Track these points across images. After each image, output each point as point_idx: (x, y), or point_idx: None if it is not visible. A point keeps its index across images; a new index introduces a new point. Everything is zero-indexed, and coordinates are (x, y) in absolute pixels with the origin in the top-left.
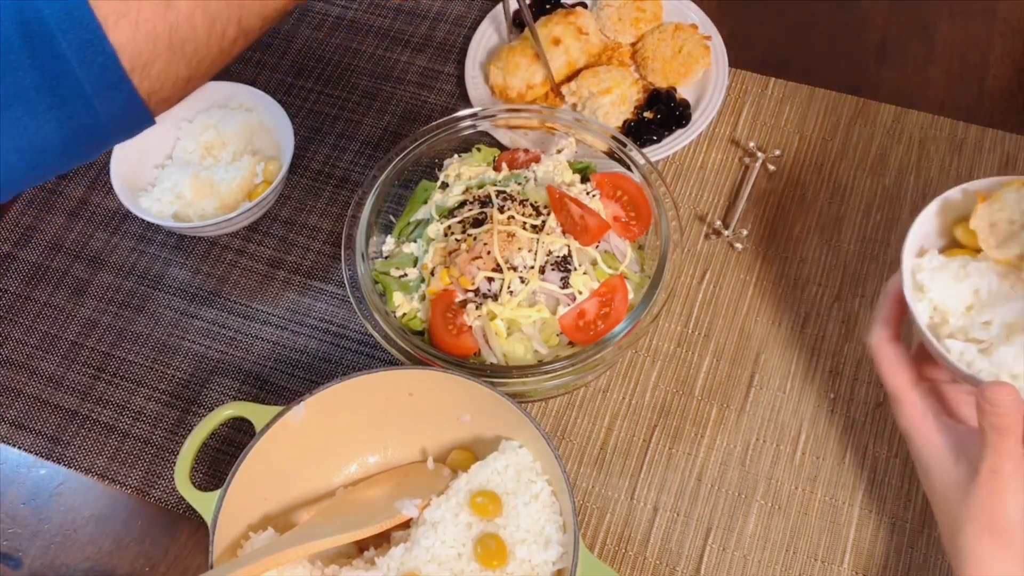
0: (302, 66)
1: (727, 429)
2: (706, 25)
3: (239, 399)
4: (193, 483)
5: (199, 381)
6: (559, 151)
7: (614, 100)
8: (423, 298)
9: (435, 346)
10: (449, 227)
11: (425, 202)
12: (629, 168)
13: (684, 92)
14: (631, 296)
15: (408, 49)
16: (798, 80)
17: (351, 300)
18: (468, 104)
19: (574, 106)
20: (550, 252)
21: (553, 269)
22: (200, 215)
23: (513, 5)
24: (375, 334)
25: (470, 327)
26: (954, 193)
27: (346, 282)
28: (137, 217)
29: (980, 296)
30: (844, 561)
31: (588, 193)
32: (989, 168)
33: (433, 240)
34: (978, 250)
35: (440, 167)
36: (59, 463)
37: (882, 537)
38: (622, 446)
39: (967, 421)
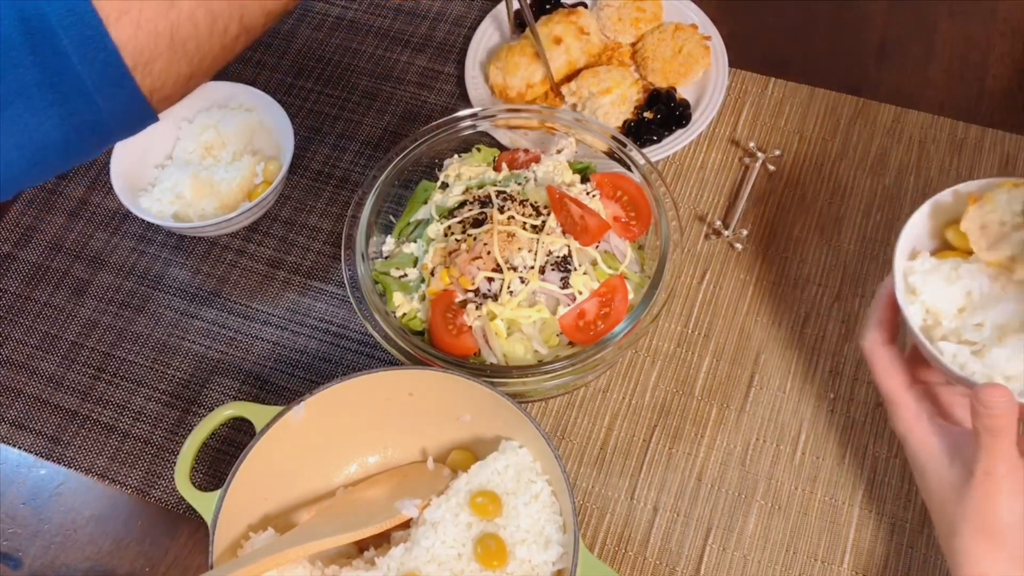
0: (302, 66)
1: (727, 429)
2: (706, 25)
3: (239, 399)
4: (193, 483)
5: (199, 381)
6: (559, 151)
7: (614, 100)
8: (423, 298)
9: (435, 346)
10: (449, 227)
11: (425, 202)
12: (629, 168)
13: (684, 92)
14: (631, 296)
15: (408, 49)
16: (798, 80)
17: (351, 300)
18: (468, 104)
19: (574, 106)
20: (550, 252)
21: (553, 269)
22: (200, 215)
23: (515, 4)
24: (375, 334)
25: (470, 327)
26: (945, 195)
27: (346, 282)
28: (137, 217)
29: (972, 298)
30: (844, 561)
31: (588, 193)
32: (989, 168)
33: (433, 240)
34: (970, 252)
35: (440, 167)
36: (59, 463)
37: (882, 537)
38: (622, 446)
39: (962, 423)
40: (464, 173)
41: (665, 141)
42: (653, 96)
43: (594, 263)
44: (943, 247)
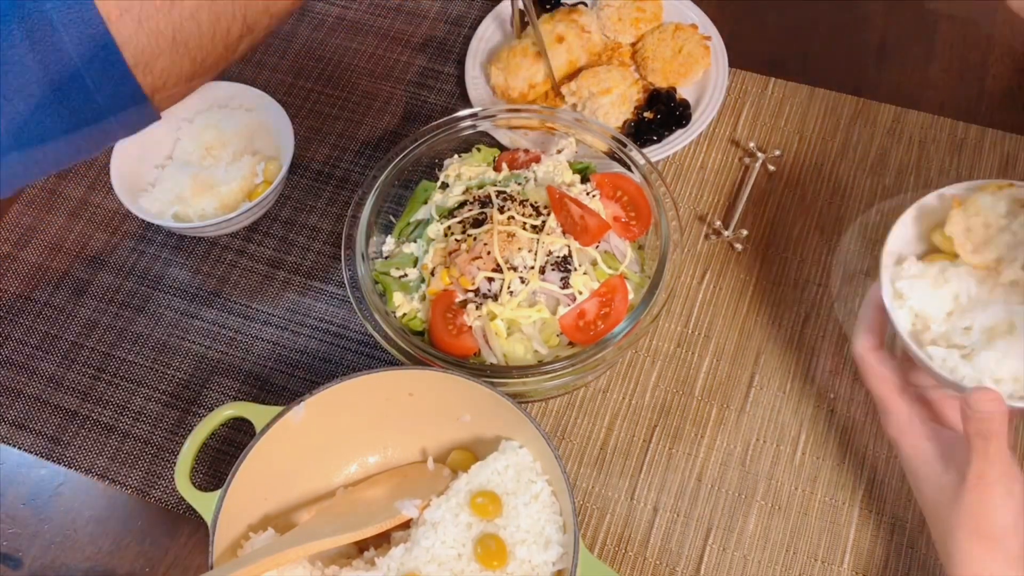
0: (302, 66)
1: (727, 429)
2: (706, 25)
3: (239, 399)
4: (193, 483)
5: (199, 381)
6: (559, 151)
7: (614, 100)
8: (423, 298)
9: (435, 346)
10: (449, 227)
11: (425, 202)
12: (629, 168)
13: (684, 92)
14: (631, 296)
15: (408, 49)
16: (798, 80)
17: (351, 300)
18: (468, 104)
19: (574, 106)
20: (550, 252)
21: (553, 269)
22: (200, 215)
23: (519, 3)
24: (375, 334)
25: (470, 327)
26: (931, 199)
27: (346, 282)
28: (137, 217)
29: (960, 301)
30: (844, 561)
31: (588, 193)
32: (989, 168)
33: (433, 240)
34: (957, 255)
35: (440, 167)
36: (59, 463)
37: (882, 537)
38: (622, 446)
39: (954, 426)
40: (464, 173)
41: (665, 141)
42: (653, 96)
43: (594, 263)
44: (931, 251)
